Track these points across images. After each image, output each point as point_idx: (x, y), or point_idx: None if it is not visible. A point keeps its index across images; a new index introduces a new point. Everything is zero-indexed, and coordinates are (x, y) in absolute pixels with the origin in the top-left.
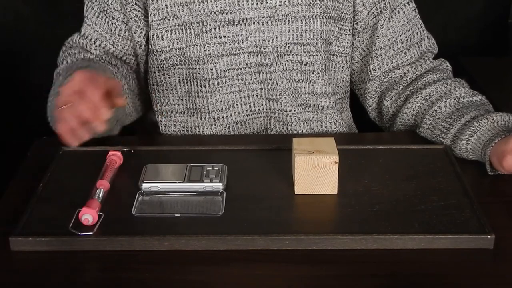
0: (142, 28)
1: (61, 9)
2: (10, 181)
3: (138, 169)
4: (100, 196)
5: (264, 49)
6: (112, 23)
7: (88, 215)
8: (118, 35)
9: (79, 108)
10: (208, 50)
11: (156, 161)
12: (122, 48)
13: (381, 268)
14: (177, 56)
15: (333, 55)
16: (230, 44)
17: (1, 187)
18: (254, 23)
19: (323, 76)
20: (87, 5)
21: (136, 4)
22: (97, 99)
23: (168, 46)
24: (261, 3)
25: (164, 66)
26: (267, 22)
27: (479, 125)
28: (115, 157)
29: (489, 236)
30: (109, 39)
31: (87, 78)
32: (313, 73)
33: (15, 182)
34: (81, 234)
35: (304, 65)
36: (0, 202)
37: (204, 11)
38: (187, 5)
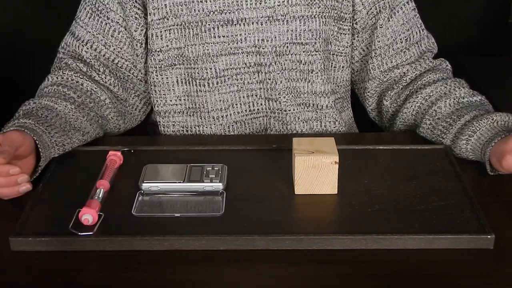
0: (142, 26)
1: (61, 9)
2: None
3: (138, 169)
4: (100, 196)
5: (263, 48)
6: (106, 23)
7: (88, 215)
8: (111, 36)
9: None
10: (207, 50)
11: (156, 161)
12: (114, 49)
13: (381, 268)
14: (175, 56)
15: (332, 54)
16: (229, 44)
17: None
18: (253, 23)
19: (322, 75)
20: (80, 6)
21: (136, 2)
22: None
23: (167, 45)
24: (260, 3)
25: (162, 66)
26: (266, 22)
27: (479, 125)
28: (115, 157)
29: (489, 236)
30: (101, 40)
31: None
32: (312, 73)
33: None
34: (81, 234)
35: (303, 64)
36: (0, 202)
37: (203, 10)
38: (186, 5)
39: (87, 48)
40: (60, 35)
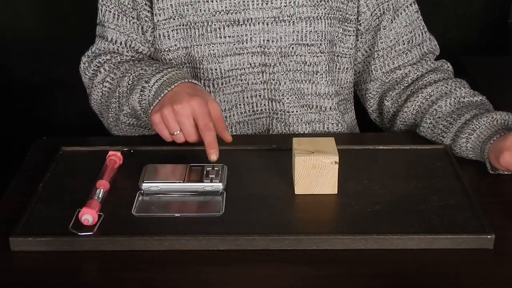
0: (152, 28)
1: (61, 9)
2: (10, 181)
3: (138, 169)
4: (100, 196)
5: (268, 49)
6: (133, 22)
7: (88, 215)
8: (142, 34)
9: (184, 137)
10: (213, 50)
11: (156, 161)
12: (149, 45)
13: (381, 268)
14: (184, 55)
15: (337, 56)
16: (234, 44)
17: (1, 187)
18: (258, 23)
19: (326, 77)
20: (101, 10)
21: (145, 4)
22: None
23: (175, 45)
24: (266, 4)
25: (173, 64)
26: (271, 23)
27: (479, 123)
28: (115, 157)
29: (489, 236)
30: (136, 38)
31: (204, 112)
32: (316, 74)
33: (15, 182)
34: (81, 234)
35: (308, 66)
36: (0, 202)
37: (209, 10)
38: (192, 5)
39: (128, 48)
40: (60, 35)
